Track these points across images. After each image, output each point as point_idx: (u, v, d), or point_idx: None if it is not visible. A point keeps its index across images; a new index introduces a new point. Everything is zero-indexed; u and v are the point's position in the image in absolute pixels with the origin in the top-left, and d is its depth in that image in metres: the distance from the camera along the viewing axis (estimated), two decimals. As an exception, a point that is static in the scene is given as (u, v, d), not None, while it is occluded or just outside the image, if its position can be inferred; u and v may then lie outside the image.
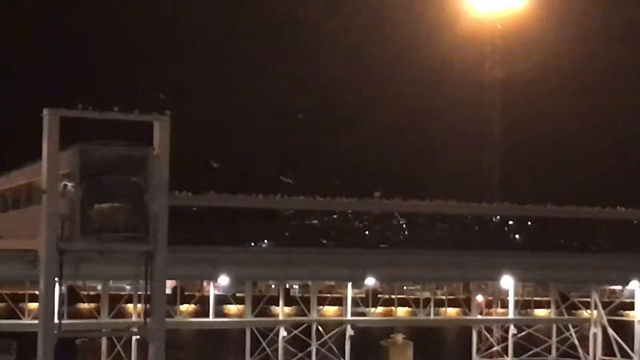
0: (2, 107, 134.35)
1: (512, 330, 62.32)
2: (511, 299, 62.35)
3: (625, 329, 63.61)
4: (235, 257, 51.43)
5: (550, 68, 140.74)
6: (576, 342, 63.81)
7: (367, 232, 70.57)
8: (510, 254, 60.69)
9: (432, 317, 63.83)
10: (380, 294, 69.69)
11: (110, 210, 39.29)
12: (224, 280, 52.22)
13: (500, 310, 67.44)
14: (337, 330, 59.43)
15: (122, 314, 59.54)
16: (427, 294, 65.06)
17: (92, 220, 38.96)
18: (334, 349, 58.99)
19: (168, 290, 46.76)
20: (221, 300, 63.52)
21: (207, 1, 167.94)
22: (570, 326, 64.28)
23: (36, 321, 42.02)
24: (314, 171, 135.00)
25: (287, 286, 79.90)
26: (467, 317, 65.09)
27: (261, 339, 57.98)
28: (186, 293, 71.85)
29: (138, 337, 51.89)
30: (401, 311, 69.46)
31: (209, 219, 57.53)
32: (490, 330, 65.65)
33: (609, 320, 62.70)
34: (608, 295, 74.82)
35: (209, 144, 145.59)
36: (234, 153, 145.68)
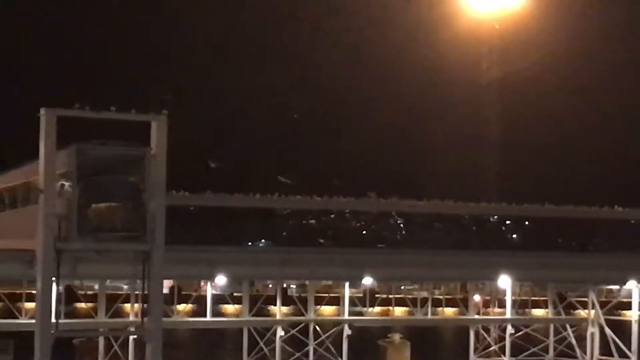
0: (2, 107, 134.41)
1: (510, 329, 62.37)
2: (508, 299, 62.37)
3: (622, 329, 63.62)
4: (232, 257, 51.51)
5: (548, 67, 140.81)
6: (573, 342, 63.86)
7: (364, 232, 70.72)
8: (507, 254, 60.85)
9: (429, 316, 63.81)
10: (377, 293, 69.70)
11: (107, 210, 39.29)
12: (221, 279, 52.24)
13: (497, 310, 67.47)
14: (334, 329, 59.47)
15: (120, 313, 59.55)
16: (424, 294, 65.11)
17: (89, 219, 38.94)
18: (332, 348, 59.01)
19: (165, 290, 46.70)
20: (218, 299, 63.47)
21: (207, 1, 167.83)
22: (567, 326, 64.32)
23: (33, 321, 42.08)
24: (313, 171, 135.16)
25: (285, 286, 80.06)
26: (465, 317, 65.08)
27: (258, 339, 57.98)
28: (183, 293, 71.71)
29: (135, 336, 51.94)
30: (399, 311, 69.53)
31: (207, 219, 57.69)
32: (487, 330, 65.72)
33: (606, 320, 62.72)
34: (605, 295, 75.06)
35: (208, 143, 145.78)
36: (233, 153, 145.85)
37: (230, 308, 71.73)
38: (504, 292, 63.24)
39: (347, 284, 58.89)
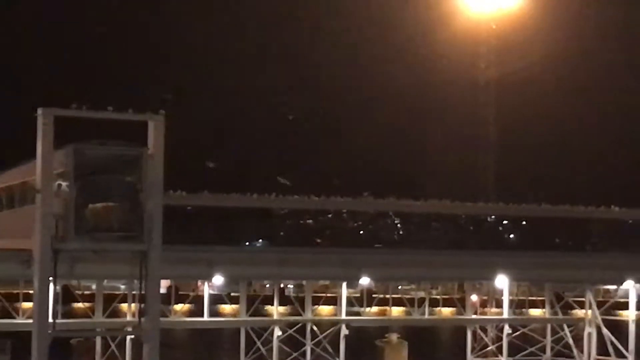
0: (1, 107, 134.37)
1: (507, 329, 62.35)
2: (506, 299, 62.40)
3: (619, 329, 63.68)
4: (229, 257, 51.50)
5: (546, 67, 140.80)
6: (571, 342, 63.88)
7: (361, 232, 70.78)
8: (504, 254, 60.90)
9: (426, 316, 63.83)
10: (375, 293, 69.77)
11: (104, 210, 39.33)
12: (218, 279, 52.26)
13: (494, 309, 67.51)
14: (331, 329, 59.53)
15: (117, 313, 59.53)
16: (421, 294, 65.23)
17: (86, 219, 38.97)
18: (329, 348, 59.05)
19: (163, 290, 46.82)
20: (216, 299, 63.40)
21: (207, 1, 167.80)
22: (564, 326, 64.30)
23: (30, 321, 42.10)
24: (312, 171, 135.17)
25: (282, 286, 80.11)
26: (462, 317, 65.12)
27: (256, 339, 58.00)
28: (181, 292, 71.89)
29: (132, 336, 51.95)
30: (396, 311, 69.45)
31: (204, 219, 57.72)
32: (484, 330, 65.79)
33: (603, 320, 62.76)
34: (603, 295, 75.04)
35: (206, 143, 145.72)
36: (232, 153, 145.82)
37: (227, 308, 71.73)
38: (501, 292, 63.25)
39: (344, 284, 58.91)
